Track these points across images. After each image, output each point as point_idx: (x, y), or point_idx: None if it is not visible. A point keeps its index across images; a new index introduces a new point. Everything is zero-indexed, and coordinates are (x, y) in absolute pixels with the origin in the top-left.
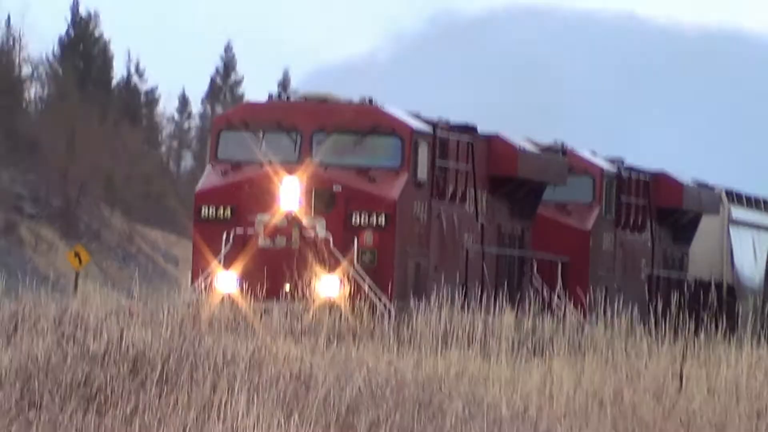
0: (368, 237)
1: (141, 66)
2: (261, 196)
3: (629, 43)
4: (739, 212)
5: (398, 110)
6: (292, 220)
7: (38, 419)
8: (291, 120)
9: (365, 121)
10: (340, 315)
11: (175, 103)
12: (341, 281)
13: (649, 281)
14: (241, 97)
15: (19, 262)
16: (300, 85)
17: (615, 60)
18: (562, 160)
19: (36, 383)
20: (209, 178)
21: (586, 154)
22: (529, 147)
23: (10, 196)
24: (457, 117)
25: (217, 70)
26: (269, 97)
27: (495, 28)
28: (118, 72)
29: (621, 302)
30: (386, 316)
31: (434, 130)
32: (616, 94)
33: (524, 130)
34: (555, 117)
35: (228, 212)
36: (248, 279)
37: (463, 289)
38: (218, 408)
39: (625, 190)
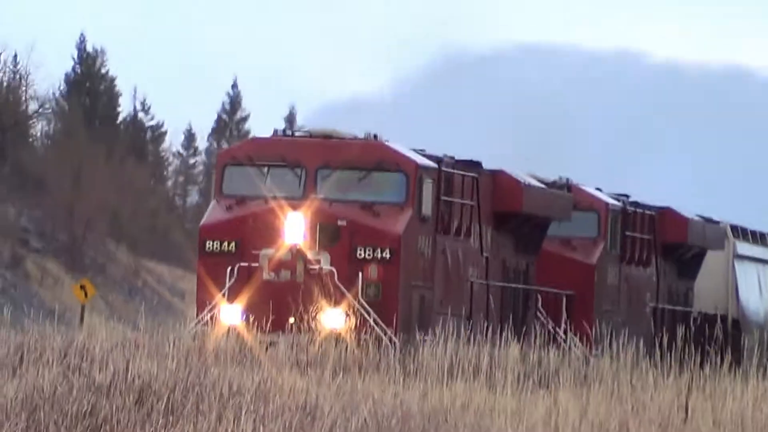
0: (373, 270)
1: (147, 102)
2: (265, 230)
3: (634, 82)
4: (744, 247)
5: (403, 146)
6: (296, 254)
7: None
8: (296, 156)
9: (370, 157)
10: (346, 347)
11: (182, 139)
12: (346, 314)
13: (654, 315)
14: (247, 133)
15: (25, 295)
16: (306, 122)
17: (620, 98)
18: (567, 196)
19: (42, 414)
20: (214, 212)
21: (591, 189)
22: (534, 183)
23: (16, 231)
24: (462, 153)
25: (223, 106)
26: (274, 132)
27: (500, 66)
28: (125, 108)
29: (626, 336)
30: (391, 348)
31: (439, 166)
32: (620, 131)
33: (529, 167)
34: (560, 154)
35: (232, 246)
36: (252, 312)
37: (467, 323)
38: None
39: (630, 226)
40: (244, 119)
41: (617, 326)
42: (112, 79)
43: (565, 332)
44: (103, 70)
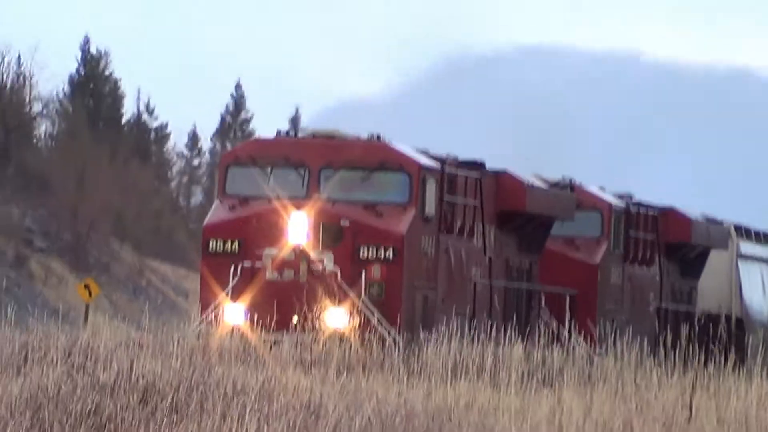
0: (376, 270)
1: (151, 104)
2: (269, 230)
3: (634, 82)
4: (747, 247)
5: (406, 147)
6: (299, 254)
7: None
8: (299, 156)
9: (373, 157)
10: (350, 346)
11: (186, 140)
12: (349, 313)
13: (658, 314)
14: (251, 134)
15: (29, 295)
16: (310, 123)
17: (620, 98)
18: (570, 196)
19: (46, 413)
20: (217, 212)
21: (594, 189)
22: (537, 183)
23: (20, 231)
24: (466, 154)
25: (227, 108)
26: (277, 133)
27: (501, 67)
28: (129, 110)
29: (630, 335)
30: (394, 347)
31: (442, 166)
32: (621, 131)
33: (531, 167)
34: (562, 154)
35: (236, 246)
36: (256, 311)
37: (471, 322)
38: None
39: (634, 225)
40: (248, 120)
41: (621, 325)
42: (116, 81)
43: (569, 331)
44: (107, 72)
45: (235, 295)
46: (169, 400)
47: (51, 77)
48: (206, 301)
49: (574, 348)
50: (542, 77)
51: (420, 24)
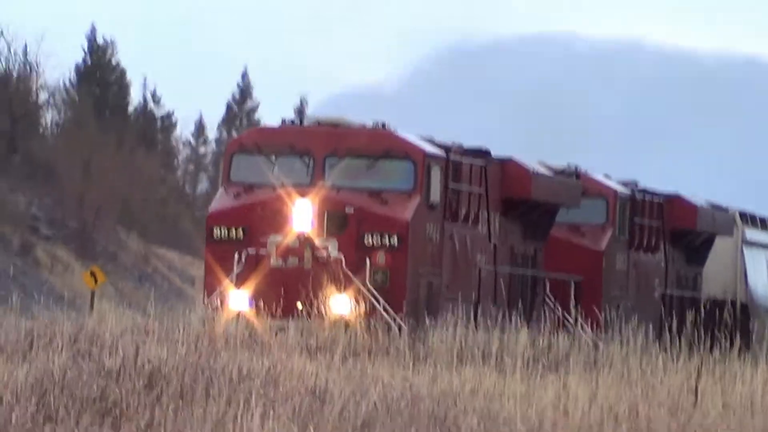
0: (380, 257)
1: (157, 92)
2: (273, 217)
3: (641, 70)
4: (752, 233)
5: (411, 135)
6: (304, 241)
7: None
8: (304, 144)
9: (378, 145)
10: (355, 333)
11: (192, 129)
12: (353, 300)
13: (663, 300)
14: (258, 122)
15: (35, 282)
16: (316, 111)
17: (626, 87)
18: (575, 183)
19: (52, 398)
20: (222, 200)
21: (599, 176)
22: (542, 170)
23: (26, 219)
24: (471, 142)
25: (233, 96)
26: (282, 121)
27: (509, 56)
28: (135, 98)
29: (635, 321)
30: (399, 333)
31: (447, 154)
32: (628, 119)
33: (537, 155)
34: (568, 142)
35: (240, 233)
36: (260, 298)
37: (475, 308)
38: (233, 422)
39: (639, 212)
40: (254, 109)
41: (626, 311)
42: (122, 70)
43: (575, 318)
44: (113, 61)
45: (240, 282)
46: (175, 386)
47: (57, 66)
48: (211, 287)
49: (579, 334)
50: (545, 66)
51: (424, 13)
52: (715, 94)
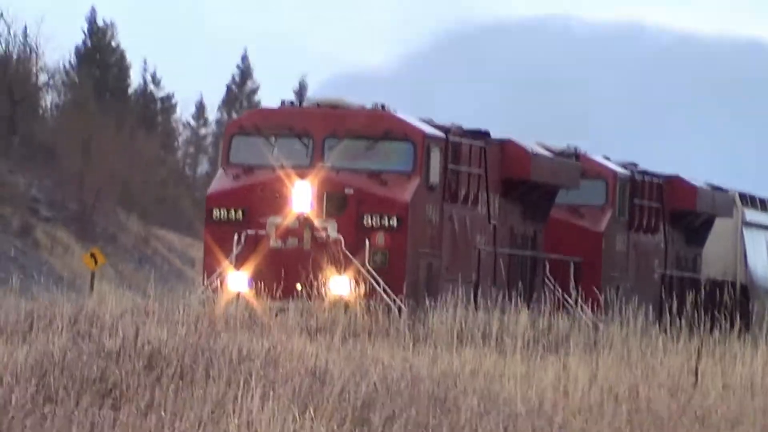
0: (380, 238)
1: (157, 74)
2: (273, 198)
3: (641, 53)
4: (752, 214)
5: (410, 116)
6: (303, 222)
7: (53, 414)
8: (303, 125)
9: (377, 126)
10: (355, 314)
11: (192, 110)
12: (352, 281)
13: (663, 282)
14: (258, 104)
15: (35, 264)
16: (316, 93)
17: (625, 69)
18: (575, 164)
19: (51, 379)
20: (221, 181)
21: (599, 158)
22: (542, 151)
23: (26, 200)
24: (471, 124)
25: (233, 78)
26: (282, 102)
27: (508, 38)
28: (135, 80)
29: (635, 302)
30: (398, 314)
31: (446, 135)
32: (628, 102)
33: (537, 136)
34: (568, 124)
35: (239, 214)
36: (259, 279)
37: (475, 289)
38: (233, 403)
39: (639, 193)
40: (255, 91)
41: (625, 293)
42: (122, 51)
43: (575, 299)
44: (113, 43)
45: (239, 263)
46: (175, 367)
47: (57, 48)
48: (210, 269)
49: (579, 315)
50: (544, 48)
51: None
52: (716, 76)
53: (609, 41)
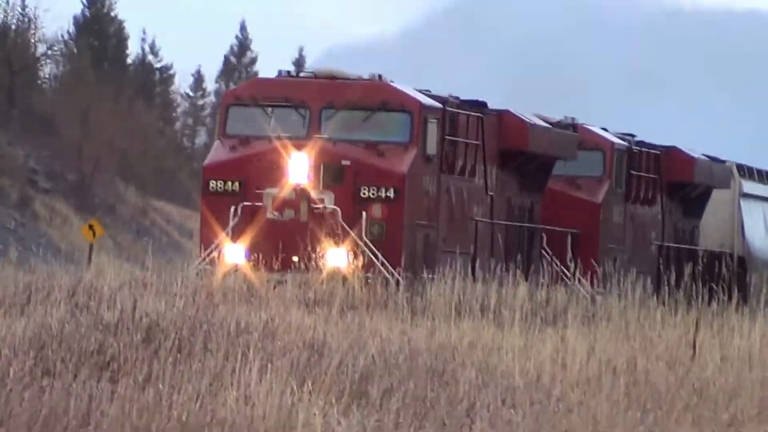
0: (377, 210)
1: (156, 44)
2: (269, 170)
3: (639, 23)
4: (750, 186)
5: (407, 87)
6: (300, 193)
7: (51, 386)
8: (300, 96)
9: (374, 97)
10: (353, 286)
11: (190, 81)
12: (349, 253)
13: (660, 253)
14: (256, 75)
15: (33, 235)
16: (315, 64)
17: (625, 39)
18: (572, 135)
19: (49, 352)
20: (218, 152)
21: (596, 129)
22: (539, 122)
23: (24, 172)
24: (469, 94)
25: (231, 49)
26: (278, 73)
27: (508, 8)
28: (133, 51)
29: (633, 274)
30: (395, 286)
31: (444, 106)
32: (628, 72)
33: (535, 107)
34: (566, 94)
35: (236, 186)
36: (256, 251)
37: (473, 261)
38: (231, 376)
39: (636, 165)
40: (253, 61)
41: (623, 264)
42: (121, 22)
43: (573, 270)
44: (111, 13)
45: (236, 235)
46: (173, 340)
47: (56, 19)
48: (207, 241)
49: (577, 287)
50: (544, 19)
51: None
52: (715, 46)
53: (607, 11)
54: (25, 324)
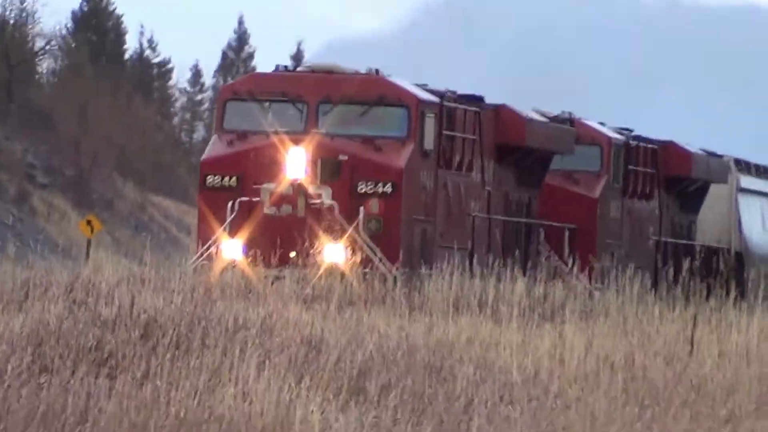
0: (374, 205)
1: (154, 39)
2: (267, 165)
3: (641, 17)
4: (747, 180)
5: (404, 81)
6: (297, 188)
7: (49, 383)
8: (297, 90)
9: (371, 91)
10: (350, 282)
11: (188, 76)
12: (347, 248)
13: (657, 248)
14: (254, 69)
15: (31, 231)
16: (313, 58)
17: (623, 34)
18: (569, 130)
19: (47, 348)
20: (215, 147)
21: (594, 124)
22: (536, 117)
23: (22, 167)
24: (467, 89)
25: (229, 43)
26: (276, 67)
27: (504, 3)
28: (131, 45)
29: (631, 269)
30: (392, 282)
31: (441, 100)
32: (625, 67)
33: (532, 102)
34: (564, 89)
35: (234, 181)
36: (253, 246)
37: (470, 256)
38: (229, 372)
39: (633, 159)
40: (251, 56)
41: (620, 259)
42: (119, 16)
43: (571, 266)
44: (110, 7)
45: (233, 230)
46: (171, 336)
47: (54, 13)
48: (204, 236)
49: (575, 282)
50: (542, 12)
51: None
52: (712, 40)
53: (606, 5)
54: (23, 320)
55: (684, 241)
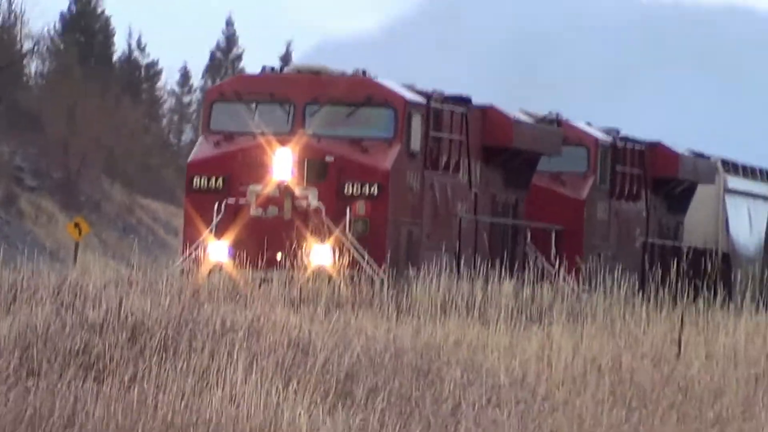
0: (361, 206)
1: (142, 41)
2: (253, 166)
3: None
4: (734, 181)
5: (391, 82)
6: (284, 190)
7: (36, 387)
8: (284, 92)
9: (358, 92)
10: (337, 284)
11: (177, 77)
12: (333, 250)
13: (644, 250)
14: (243, 71)
15: (19, 233)
16: (302, 59)
17: (612, 35)
18: (556, 131)
19: (35, 351)
20: (201, 148)
21: (581, 124)
22: (523, 118)
23: (10, 169)
24: (454, 90)
25: (218, 44)
26: (263, 69)
27: (492, 3)
28: (120, 47)
29: (618, 271)
30: (379, 284)
31: (428, 101)
32: (612, 68)
33: (519, 103)
34: (550, 90)
35: (220, 182)
36: (240, 248)
37: (457, 258)
38: (217, 375)
39: (620, 160)
40: (239, 57)
41: (607, 261)
42: (107, 18)
43: (558, 268)
44: (98, 9)
45: (220, 232)
46: (158, 339)
47: (42, 15)
48: (191, 238)
49: (562, 284)
50: (526, 13)
51: None
52: (696, 41)
53: (589, 5)
54: (10, 323)
55: (671, 243)
